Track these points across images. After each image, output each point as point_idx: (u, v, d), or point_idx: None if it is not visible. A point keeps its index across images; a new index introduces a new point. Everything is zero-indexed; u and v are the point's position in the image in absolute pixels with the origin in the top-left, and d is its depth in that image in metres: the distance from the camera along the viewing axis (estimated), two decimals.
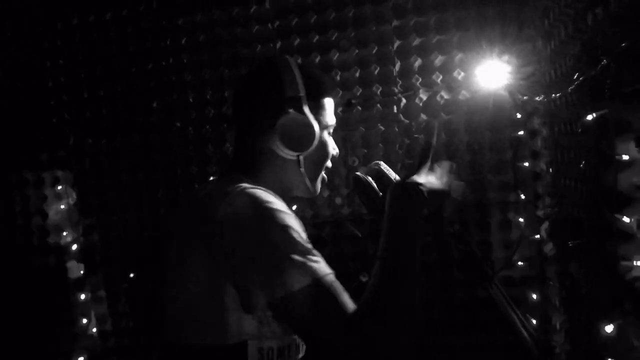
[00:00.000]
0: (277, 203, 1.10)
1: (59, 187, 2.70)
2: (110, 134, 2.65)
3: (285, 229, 1.06)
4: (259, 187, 1.14)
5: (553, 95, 1.65)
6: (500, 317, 2.31)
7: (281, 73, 1.23)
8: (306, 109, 1.22)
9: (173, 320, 1.19)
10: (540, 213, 2.23)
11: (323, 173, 1.37)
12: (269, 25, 2.46)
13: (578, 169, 1.49)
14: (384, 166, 1.40)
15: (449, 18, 2.30)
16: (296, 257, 1.03)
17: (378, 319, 1.02)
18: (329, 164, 1.38)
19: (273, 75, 1.23)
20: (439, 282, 2.39)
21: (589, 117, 1.31)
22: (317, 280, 1.02)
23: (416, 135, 2.36)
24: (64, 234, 2.69)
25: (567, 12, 1.58)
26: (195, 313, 1.11)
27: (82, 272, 2.70)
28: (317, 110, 1.27)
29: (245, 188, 1.12)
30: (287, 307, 1.03)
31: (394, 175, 1.39)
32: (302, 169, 1.25)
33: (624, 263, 1.19)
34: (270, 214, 1.07)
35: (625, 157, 1.18)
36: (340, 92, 2.42)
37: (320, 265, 1.05)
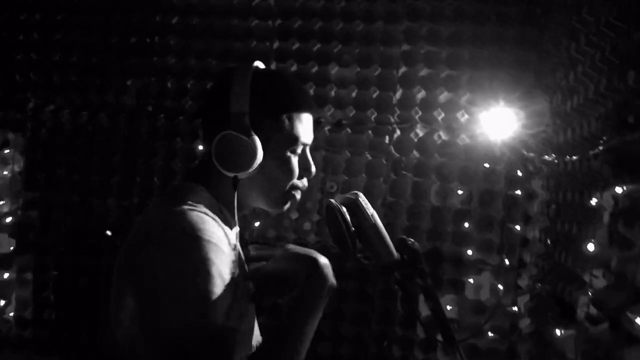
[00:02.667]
0: (203, 237, 1.00)
1: (7, 151, 2.43)
2: (75, 106, 2.40)
3: (200, 272, 0.97)
4: (195, 209, 1.06)
5: (567, 157, 1.44)
6: None
7: (233, 85, 1.13)
8: (251, 128, 1.10)
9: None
10: (522, 283, 2.02)
11: (294, 192, 1.19)
12: (270, 22, 2.25)
13: (582, 249, 1.28)
14: (362, 198, 1.20)
15: (462, 54, 2.12)
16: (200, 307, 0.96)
17: None
18: (300, 184, 1.19)
19: (224, 87, 1.13)
20: (399, 339, 2.16)
21: (614, 191, 1.10)
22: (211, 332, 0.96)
23: (404, 172, 2.15)
24: (1, 203, 2.42)
25: (600, 67, 1.38)
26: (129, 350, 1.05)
27: (12, 248, 2.42)
28: (277, 127, 1.14)
29: (173, 219, 1.03)
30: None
31: (371, 211, 1.19)
32: (236, 191, 1.14)
33: None
34: (188, 255, 0.99)
35: None
36: (332, 109, 2.21)
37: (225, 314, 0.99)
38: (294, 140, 1.16)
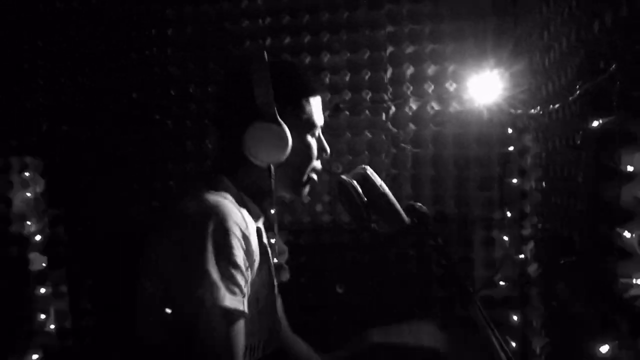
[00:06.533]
0: (226, 223, 1.06)
1: (27, 174, 2.56)
2: (86, 123, 2.52)
3: (219, 251, 1.03)
4: (220, 198, 1.12)
5: (550, 106, 1.59)
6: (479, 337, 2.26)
7: (253, 77, 1.18)
8: (278, 117, 1.17)
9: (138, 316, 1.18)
10: (525, 232, 2.17)
11: (313, 175, 1.31)
12: (260, 21, 2.38)
13: (573, 185, 1.43)
14: (370, 171, 1.33)
15: (444, 28, 2.26)
16: (217, 281, 1.01)
17: None
18: (317, 165, 1.31)
19: (245, 80, 1.19)
20: (419, 300, 2.31)
21: (592, 126, 1.25)
22: (224, 313, 1.01)
23: (403, 145, 2.30)
24: (28, 223, 2.55)
25: (569, 23, 1.53)
26: (149, 312, 1.13)
27: (44, 264, 2.56)
28: (297, 113, 1.23)
29: (200, 203, 1.09)
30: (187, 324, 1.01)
31: (379, 182, 1.32)
32: (273, 180, 1.21)
33: (623, 280, 1.12)
34: (207, 237, 1.03)
35: (630, 169, 1.12)
36: (329, 95, 2.34)
37: (236, 299, 1.04)
38: (312, 124, 1.27)
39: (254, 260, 1.14)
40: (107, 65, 2.49)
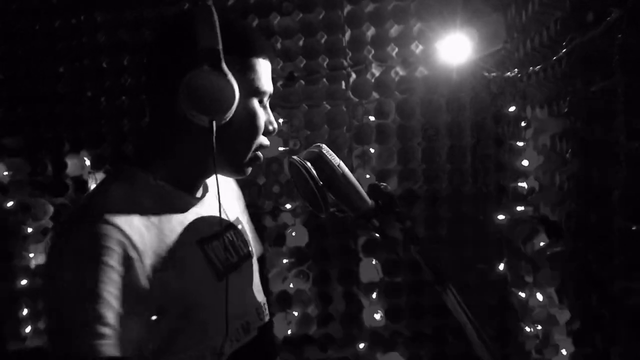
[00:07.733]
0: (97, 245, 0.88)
1: None
2: (9, 103, 2.24)
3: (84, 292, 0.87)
4: (88, 220, 0.92)
5: (530, 68, 1.37)
6: (454, 323, 2.08)
7: (197, 23, 0.95)
8: (224, 65, 0.95)
9: None
10: (503, 210, 1.97)
11: (258, 153, 1.09)
12: None
13: (561, 160, 1.21)
14: (326, 150, 1.11)
15: None
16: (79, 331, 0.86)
17: None
18: (264, 141, 1.08)
19: (187, 26, 0.96)
20: (389, 287, 2.11)
21: (582, 91, 1.03)
22: None
23: (366, 116, 2.06)
24: None
25: None
26: None
27: None
28: (244, 70, 1.01)
29: (73, 224, 0.94)
30: None
31: (337, 162, 1.11)
32: (214, 143, 0.96)
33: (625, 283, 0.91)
34: (73, 268, 0.88)
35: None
36: (281, 62, 2.09)
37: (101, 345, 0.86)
38: (259, 87, 1.04)
39: (164, 266, 0.94)
40: (29, 36, 2.20)
